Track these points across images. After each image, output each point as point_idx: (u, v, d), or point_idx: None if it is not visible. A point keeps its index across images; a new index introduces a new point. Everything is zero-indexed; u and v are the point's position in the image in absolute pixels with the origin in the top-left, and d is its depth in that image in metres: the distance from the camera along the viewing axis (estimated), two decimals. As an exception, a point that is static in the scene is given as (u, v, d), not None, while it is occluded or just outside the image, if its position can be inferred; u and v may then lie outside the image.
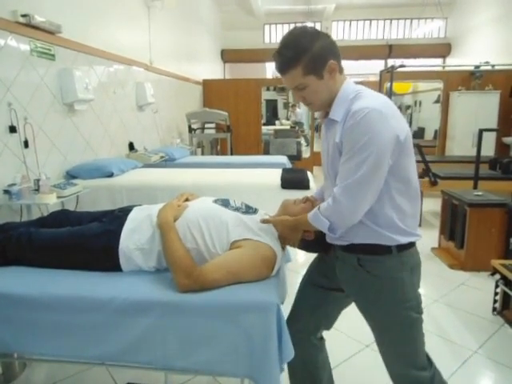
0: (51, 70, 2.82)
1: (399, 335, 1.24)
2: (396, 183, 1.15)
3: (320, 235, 1.30)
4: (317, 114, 1.31)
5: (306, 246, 1.44)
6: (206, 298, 1.27)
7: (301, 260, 3.12)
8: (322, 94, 1.18)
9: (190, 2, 6.66)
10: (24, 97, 2.54)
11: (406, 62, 6.49)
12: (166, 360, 1.30)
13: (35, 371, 2.00)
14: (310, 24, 9.42)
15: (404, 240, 1.18)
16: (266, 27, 9.87)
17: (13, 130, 2.43)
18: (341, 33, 9.77)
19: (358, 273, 1.22)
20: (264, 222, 1.43)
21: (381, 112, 1.07)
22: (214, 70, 8.74)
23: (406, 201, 1.18)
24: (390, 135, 1.08)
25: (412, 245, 1.22)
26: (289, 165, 4.29)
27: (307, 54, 1.12)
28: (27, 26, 2.51)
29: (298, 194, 2.80)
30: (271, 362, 1.23)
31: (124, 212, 1.60)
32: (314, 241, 1.36)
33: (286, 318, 1.34)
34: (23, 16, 2.46)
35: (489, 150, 5.92)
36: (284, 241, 1.49)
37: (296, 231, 1.39)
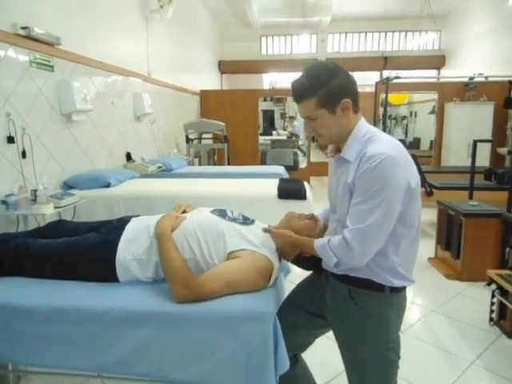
0: (50, 81, 2.84)
1: (374, 374, 1.23)
2: (402, 229, 1.17)
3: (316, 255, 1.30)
4: (328, 150, 1.33)
5: (300, 261, 1.45)
6: (203, 308, 1.27)
7: (298, 270, 3.11)
8: (332, 129, 1.21)
9: (188, 14, 6.74)
10: (22, 107, 2.56)
11: (401, 73, 6.56)
12: (162, 371, 1.30)
13: (30, 384, 1.98)
14: (306, 36, 9.57)
15: (398, 283, 1.20)
16: (263, 39, 9.97)
17: (11, 140, 2.44)
18: (336, 45, 9.87)
19: (347, 304, 1.23)
20: (266, 231, 1.43)
21: (395, 159, 1.10)
22: (211, 80, 8.81)
23: (409, 246, 1.20)
24: (402, 182, 1.11)
25: (404, 288, 1.24)
26: (286, 175, 4.30)
27: (323, 88, 1.15)
28: (27, 38, 2.54)
29: (294, 204, 2.84)
30: (268, 373, 1.22)
31: (122, 222, 1.60)
32: (309, 258, 1.36)
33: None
34: (23, 28, 2.49)
35: (484, 160, 5.97)
36: (281, 254, 1.49)
37: (296, 249, 1.41)
